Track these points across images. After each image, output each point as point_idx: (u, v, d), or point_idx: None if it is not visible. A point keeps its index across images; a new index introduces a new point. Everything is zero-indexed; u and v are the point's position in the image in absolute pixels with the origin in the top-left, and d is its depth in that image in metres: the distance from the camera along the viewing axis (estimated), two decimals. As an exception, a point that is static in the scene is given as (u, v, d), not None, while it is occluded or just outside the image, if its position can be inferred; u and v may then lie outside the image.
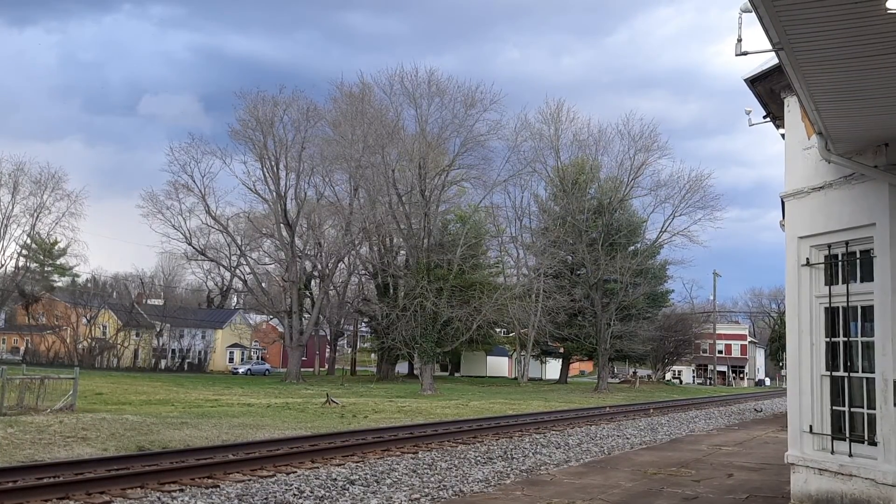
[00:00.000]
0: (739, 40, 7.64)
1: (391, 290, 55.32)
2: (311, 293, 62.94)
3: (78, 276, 79.21)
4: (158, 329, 75.54)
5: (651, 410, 32.51)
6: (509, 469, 13.56)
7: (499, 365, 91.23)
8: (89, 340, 70.85)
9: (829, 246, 8.67)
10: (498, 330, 68.58)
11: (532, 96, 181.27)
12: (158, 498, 10.01)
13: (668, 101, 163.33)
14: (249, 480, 11.63)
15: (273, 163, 57.48)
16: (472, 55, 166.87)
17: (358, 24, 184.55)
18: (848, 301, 8.37)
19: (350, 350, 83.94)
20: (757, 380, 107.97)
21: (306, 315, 60.88)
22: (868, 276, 8.14)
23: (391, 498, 10.43)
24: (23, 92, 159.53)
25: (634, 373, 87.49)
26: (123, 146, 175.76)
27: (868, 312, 8.13)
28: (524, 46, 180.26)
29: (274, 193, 57.66)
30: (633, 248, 63.30)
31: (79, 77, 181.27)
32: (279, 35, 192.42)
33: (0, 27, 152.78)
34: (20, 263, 69.17)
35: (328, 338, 75.84)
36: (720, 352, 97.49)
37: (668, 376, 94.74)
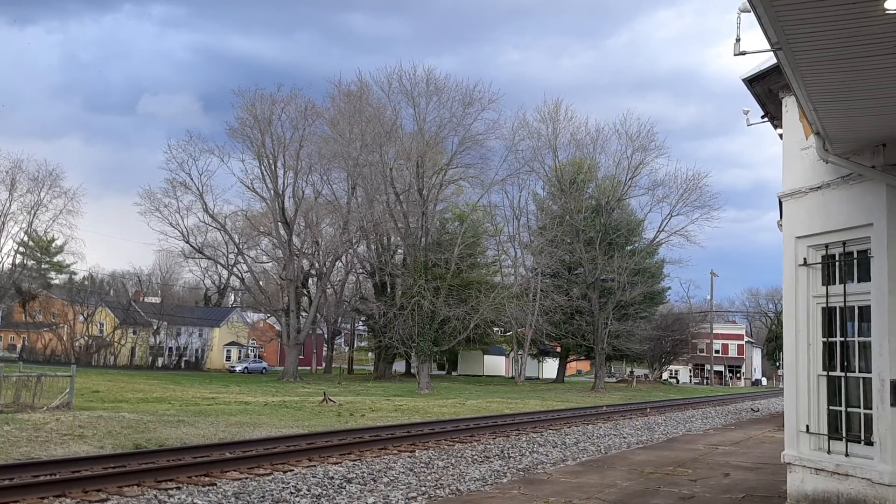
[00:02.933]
0: (738, 40, 7.64)
1: (389, 289, 55.30)
2: (308, 292, 62.87)
3: (75, 273, 79.32)
4: (155, 327, 75.42)
5: (648, 410, 32.53)
6: (506, 468, 13.56)
7: (496, 364, 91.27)
8: (86, 338, 70.76)
9: (827, 246, 8.68)
10: (495, 329, 68.55)
11: (531, 98, 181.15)
12: (155, 496, 9.99)
13: (668, 103, 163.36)
14: (246, 478, 11.62)
15: (271, 161, 57.41)
16: (471, 57, 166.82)
17: (358, 25, 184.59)
18: (845, 301, 8.38)
19: (347, 349, 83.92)
20: (753, 380, 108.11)
21: (304, 313, 60.80)
22: (865, 276, 8.14)
23: (388, 496, 10.42)
24: (23, 91, 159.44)
25: (631, 372, 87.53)
26: (123, 145, 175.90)
27: (865, 312, 8.14)
28: (524, 48, 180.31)
29: (272, 192, 57.60)
30: (630, 247, 63.38)
31: (79, 76, 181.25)
32: (279, 35, 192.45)
33: (0, 26, 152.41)
34: (17, 260, 69.16)
35: (325, 336, 75.81)
36: (717, 352, 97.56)
37: (665, 376, 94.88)
